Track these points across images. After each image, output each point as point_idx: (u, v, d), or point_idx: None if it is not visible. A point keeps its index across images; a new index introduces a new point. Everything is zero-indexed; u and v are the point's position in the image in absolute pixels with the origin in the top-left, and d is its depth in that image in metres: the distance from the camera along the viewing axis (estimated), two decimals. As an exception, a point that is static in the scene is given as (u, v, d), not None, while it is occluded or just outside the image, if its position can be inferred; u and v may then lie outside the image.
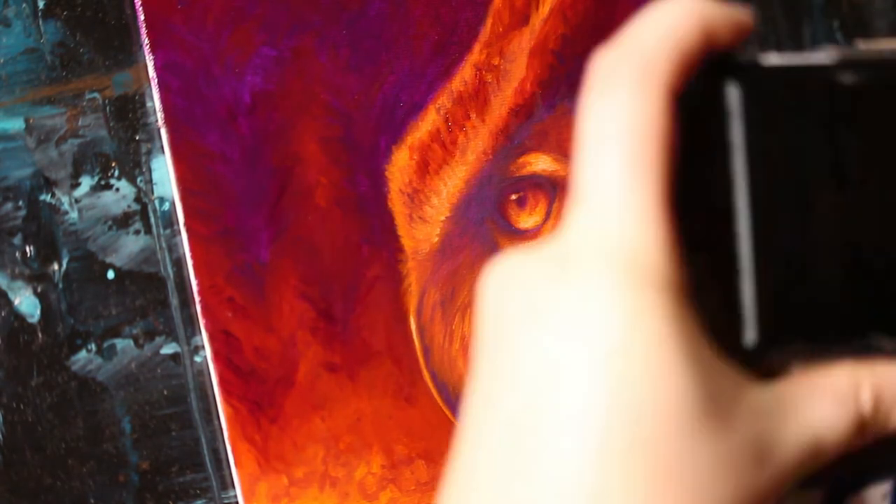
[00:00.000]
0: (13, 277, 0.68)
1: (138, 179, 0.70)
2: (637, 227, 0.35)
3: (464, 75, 0.73)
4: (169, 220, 0.70)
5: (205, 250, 0.69)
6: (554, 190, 0.74)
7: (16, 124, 0.68)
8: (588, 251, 0.35)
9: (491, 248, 0.73)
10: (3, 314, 0.68)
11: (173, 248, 0.70)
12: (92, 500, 0.69)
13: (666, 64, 0.36)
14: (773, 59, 0.37)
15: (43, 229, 0.69)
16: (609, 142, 0.35)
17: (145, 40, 0.68)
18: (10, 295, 0.68)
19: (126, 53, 0.70)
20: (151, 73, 0.68)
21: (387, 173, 0.72)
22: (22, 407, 0.68)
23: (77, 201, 0.69)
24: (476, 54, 0.73)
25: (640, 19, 0.37)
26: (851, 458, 0.37)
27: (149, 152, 0.70)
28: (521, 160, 0.74)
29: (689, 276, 0.35)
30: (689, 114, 0.36)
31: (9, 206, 0.68)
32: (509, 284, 0.36)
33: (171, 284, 0.70)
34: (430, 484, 0.72)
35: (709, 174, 0.37)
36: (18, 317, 0.68)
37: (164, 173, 0.70)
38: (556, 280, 0.35)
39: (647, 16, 0.37)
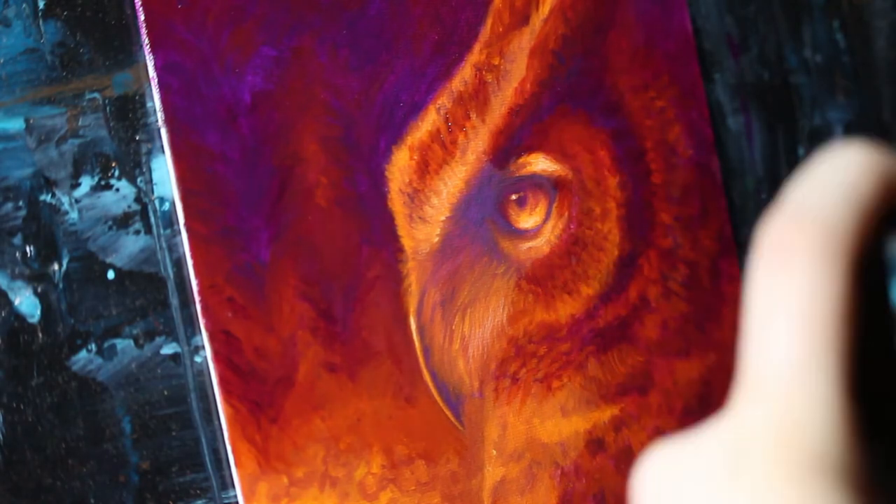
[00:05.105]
0: (13, 277, 0.68)
1: (138, 179, 0.70)
2: (814, 416, 0.32)
3: (464, 75, 0.73)
4: (169, 220, 0.70)
5: (205, 250, 0.69)
6: (554, 190, 0.74)
7: (16, 124, 0.68)
8: (761, 442, 0.32)
9: (491, 248, 0.73)
10: (3, 314, 0.68)
11: (173, 248, 0.70)
12: (92, 500, 0.69)
13: (849, 232, 0.32)
14: None
15: (43, 229, 0.69)
16: (785, 321, 0.32)
17: (145, 40, 0.68)
18: (11, 295, 0.68)
19: (126, 53, 0.70)
20: (151, 73, 0.68)
21: (387, 173, 0.72)
22: (22, 407, 0.68)
23: (77, 201, 0.69)
24: (476, 54, 0.73)
25: (812, 177, 0.33)
26: None
27: (149, 152, 0.70)
28: (521, 160, 0.74)
29: (869, 467, 0.32)
30: (870, 282, 0.32)
31: (9, 206, 0.68)
32: (675, 476, 0.33)
33: (171, 284, 0.70)
34: (430, 484, 0.72)
35: (892, 348, 0.33)
36: (18, 317, 0.68)
37: (164, 173, 0.70)
38: (728, 474, 0.32)
39: (819, 173, 0.33)
